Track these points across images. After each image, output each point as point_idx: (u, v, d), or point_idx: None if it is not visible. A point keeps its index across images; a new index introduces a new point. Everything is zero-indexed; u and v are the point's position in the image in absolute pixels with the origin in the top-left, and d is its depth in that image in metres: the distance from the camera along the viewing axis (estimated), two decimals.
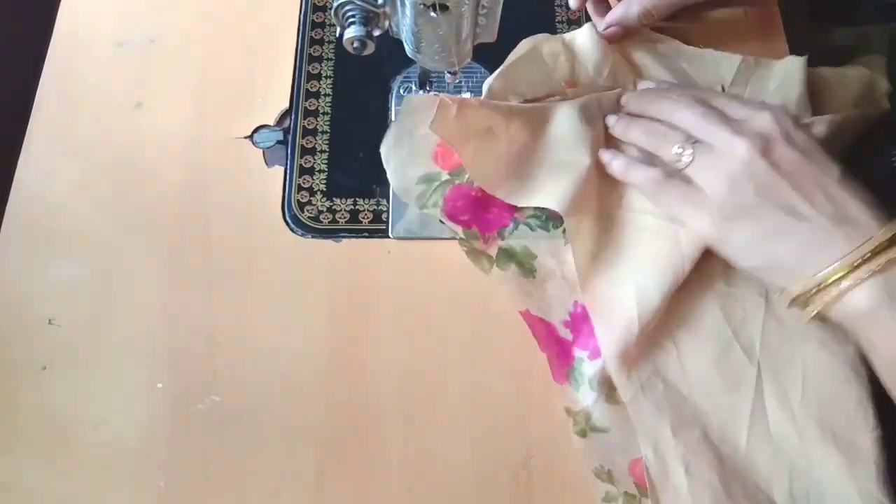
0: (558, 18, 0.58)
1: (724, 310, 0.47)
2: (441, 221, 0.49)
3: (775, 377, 0.45)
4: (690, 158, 0.45)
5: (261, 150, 0.53)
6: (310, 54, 0.56)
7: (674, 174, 0.46)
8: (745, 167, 0.43)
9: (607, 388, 0.46)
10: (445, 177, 0.50)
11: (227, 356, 0.47)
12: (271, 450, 0.45)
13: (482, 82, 0.53)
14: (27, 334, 0.48)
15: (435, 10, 0.42)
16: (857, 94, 0.53)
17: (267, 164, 0.53)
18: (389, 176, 0.49)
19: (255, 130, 0.54)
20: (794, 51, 0.55)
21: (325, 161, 0.52)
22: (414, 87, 0.53)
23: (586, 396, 0.46)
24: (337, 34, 0.52)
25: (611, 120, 0.50)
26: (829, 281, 0.41)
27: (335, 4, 0.43)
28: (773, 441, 0.44)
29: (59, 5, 0.58)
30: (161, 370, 0.47)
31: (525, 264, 0.49)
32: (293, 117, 0.54)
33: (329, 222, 0.51)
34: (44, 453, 0.45)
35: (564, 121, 0.49)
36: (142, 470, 0.45)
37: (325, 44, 0.57)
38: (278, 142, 0.53)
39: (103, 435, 0.45)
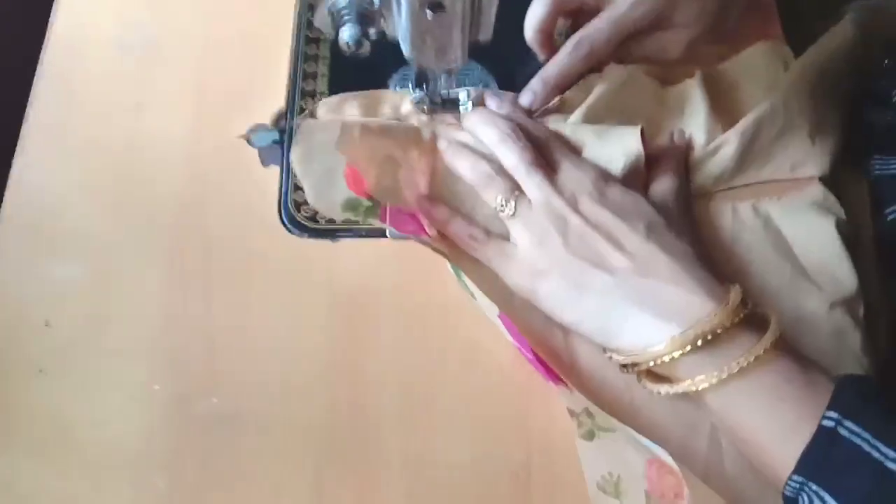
0: None
1: None
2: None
3: None
4: (512, 211, 0.46)
5: (256, 150, 0.53)
6: (306, 53, 0.56)
7: (489, 234, 0.47)
8: (556, 222, 0.44)
9: None
10: (367, 203, 0.49)
11: (226, 357, 0.47)
12: (270, 451, 0.45)
13: (479, 81, 0.54)
14: (24, 336, 0.47)
15: (430, 9, 0.42)
16: (767, 79, 0.52)
17: (263, 163, 0.53)
18: (308, 196, 0.49)
19: (252, 130, 0.53)
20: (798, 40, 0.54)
21: None
22: (410, 87, 0.52)
23: (580, 398, 0.44)
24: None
25: (442, 143, 0.50)
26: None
27: (330, 5, 0.43)
28: None
29: (55, 6, 0.58)
30: (159, 371, 0.47)
31: None
32: (289, 117, 0.54)
33: (326, 222, 0.51)
34: (43, 454, 0.45)
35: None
36: (141, 471, 0.45)
37: (321, 42, 0.56)
38: (274, 141, 0.53)
39: (102, 436, 0.45)
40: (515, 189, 0.46)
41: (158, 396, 0.46)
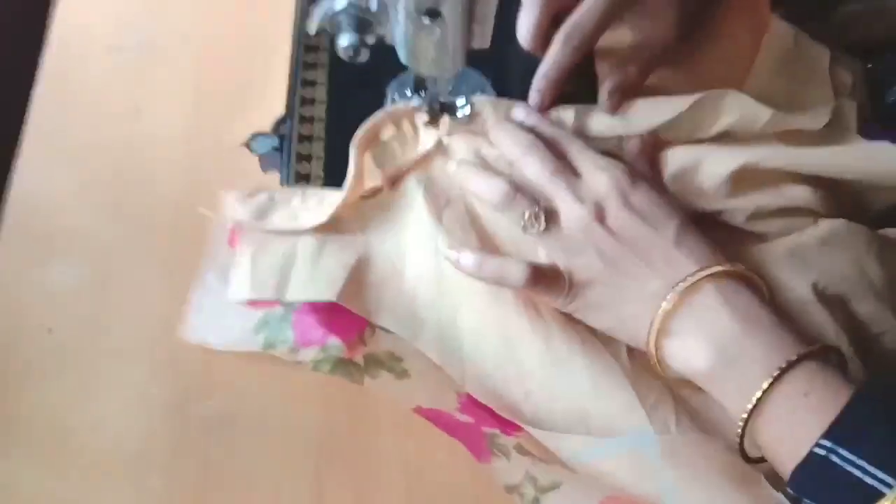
0: None
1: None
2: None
3: None
4: (543, 226, 0.45)
5: (256, 157, 0.53)
6: (305, 61, 0.56)
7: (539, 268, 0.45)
8: (586, 235, 0.44)
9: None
10: (280, 311, 0.46)
11: (224, 359, 0.47)
12: (270, 453, 0.45)
13: (476, 87, 0.54)
14: (24, 341, 0.48)
15: (428, 16, 0.42)
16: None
17: (262, 169, 0.53)
18: (215, 343, 0.46)
19: (252, 137, 0.54)
20: None
21: (322, 167, 0.53)
22: (409, 93, 0.53)
23: (519, 461, 0.43)
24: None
25: (451, 166, 0.50)
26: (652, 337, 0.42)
27: (329, 12, 0.44)
28: None
29: (53, 9, 0.58)
30: (159, 374, 0.47)
31: (395, 368, 0.46)
32: (289, 124, 0.54)
33: None
34: (42, 457, 0.45)
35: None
36: (140, 473, 0.45)
37: (320, 50, 0.57)
38: (274, 148, 0.53)
39: (102, 439, 0.45)
40: (537, 204, 0.45)
41: (158, 399, 0.46)
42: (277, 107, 0.55)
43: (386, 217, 0.49)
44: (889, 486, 0.34)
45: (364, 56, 0.45)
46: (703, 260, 0.43)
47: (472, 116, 0.51)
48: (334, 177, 0.52)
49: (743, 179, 0.48)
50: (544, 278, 0.44)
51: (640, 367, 0.44)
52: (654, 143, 0.50)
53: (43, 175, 0.53)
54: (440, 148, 0.51)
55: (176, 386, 0.47)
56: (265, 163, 0.53)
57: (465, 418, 0.44)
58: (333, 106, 0.54)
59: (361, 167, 0.48)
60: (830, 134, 0.50)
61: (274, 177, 0.53)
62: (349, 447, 0.45)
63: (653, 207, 0.45)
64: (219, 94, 0.55)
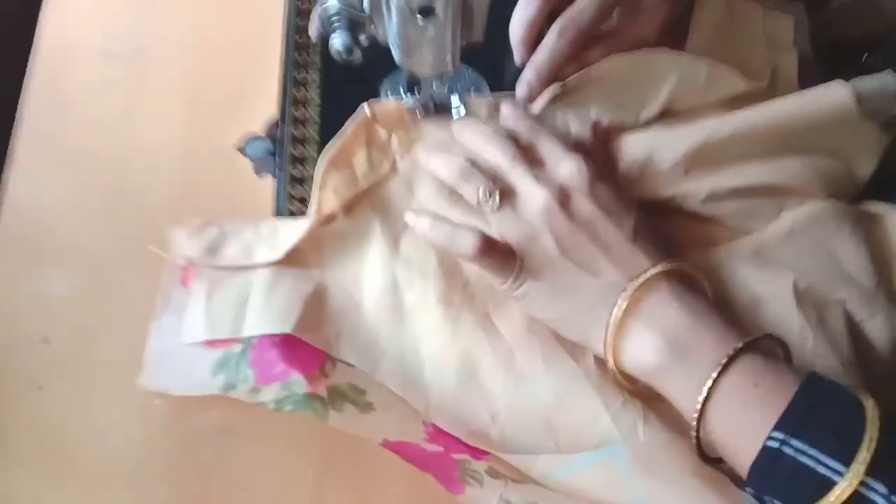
0: None
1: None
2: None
3: None
4: (497, 204, 0.45)
5: (250, 160, 0.53)
6: (296, 61, 0.56)
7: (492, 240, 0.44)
8: (543, 218, 0.44)
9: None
10: (238, 349, 0.45)
11: None
12: (270, 462, 0.45)
13: (470, 84, 0.53)
14: (21, 351, 0.47)
15: (421, 14, 0.42)
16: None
17: (256, 173, 0.52)
18: (174, 389, 0.45)
19: (245, 140, 0.53)
20: None
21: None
22: (402, 91, 0.52)
23: (493, 486, 0.42)
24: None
25: (419, 152, 0.50)
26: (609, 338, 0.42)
27: (320, 11, 0.43)
28: None
29: (42, 16, 0.57)
30: None
31: (359, 402, 0.44)
32: (282, 126, 0.53)
33: None
34: (42, 468, 0.45)
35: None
36: (141, 483, 0.44)
37: (312, 50, 0.56)
38: (267, 151, 0.53)
39: (101, 449, 0.45)
40: (495, 181, 0.45)
41: (157, 408, 0.46)
42: (271, 110, 0.54)
43: (343, 246, 0.48)
44: (840, 473, 0.34)
45: (357, 56, 0.45)
46: (656, 256, 0.43)
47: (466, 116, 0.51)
48: None
49: (697, 161, 0.47)
50: (495, 252, 0.44)
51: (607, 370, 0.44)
52: (607, 133, 0.50)
53: (36, 183, 0.52)
54: (395, 169, 0.50)
55: (175, 395, 0.46)
56: (259, 167, 0.53)
57: (434, 448, 0.43)
58: (327, 107, 0.54)
59: (322, 199, 0.48)
60: (774, 92, 0.50)
61: (268, 180, 0.52)
62: (349, 456, 0.45)
63: (614, 200, 0.45)
64: (212, 99, 0.55)
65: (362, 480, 0.44)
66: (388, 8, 0.42)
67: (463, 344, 0.45)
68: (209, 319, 0.45)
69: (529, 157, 0.46)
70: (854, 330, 0.44)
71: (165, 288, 0.47)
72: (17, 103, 0.54)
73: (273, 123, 0.54)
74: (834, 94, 0.46)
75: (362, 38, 0.45)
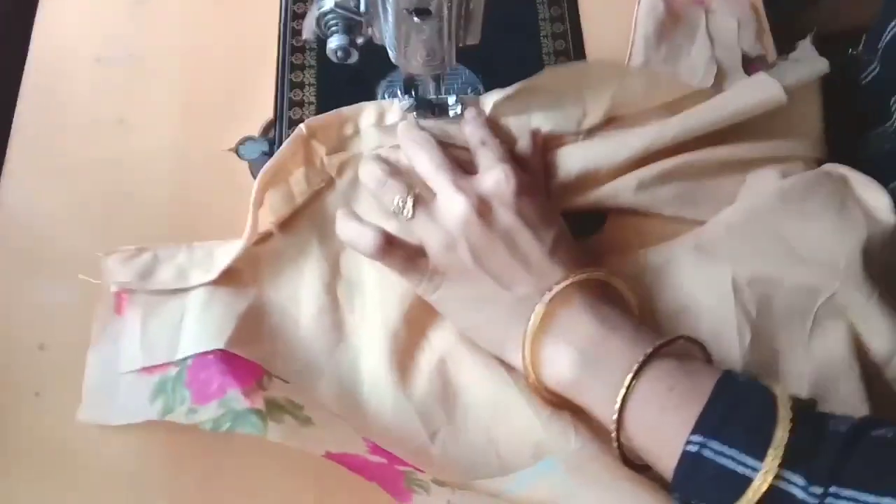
0: (541, 16, 0.58)
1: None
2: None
3: None
4: (411, 213, 0.44)
5: (246, 163, 0.53)
6: (292, 63, 0.56)
7: (395, 239, 0.44)
8: (460, 226, 0.43)
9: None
10: (174, 371, 0.44)
11: None
12: (272, 470, 0.45)
13: (467, 85, 0.53)
14: (17, 358, 0.47)
15: (417, 15, 0.42)
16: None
17: (253, 176, 0.52)
18: (112, 420, 0.44)
19: (241, 142, 0.53)
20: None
21: None
22: (399, 93, 0.52)
23: (440, 493, 0.41)
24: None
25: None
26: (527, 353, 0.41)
27: (317, 13, 0.43)
28: None
29: (35, 22, 0.57)
30: None
31: (298, 416, 0.43)
32: (278, 127, 0.53)
33: None
34: (39, 475, 0.44)
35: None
36: (141, 491, 0.44)
37: (307, 51, 0.56)
38: (263, 153, 0.53)
39: (100, 456, 0.45)
40: (413, 191, 0.45)
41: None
42: (267, 114, 0.54)
43: (280, 265, 0.48)
44: (756, 470, 0.33)
45: (354, 57, 0.44)
46: (571, 268, 0.43)
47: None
48: None
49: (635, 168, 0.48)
50: (397, 251, 0.44)
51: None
52: (545, 142, 0.50)
53: (30, 190, 0.52)
54: (332, 186, 0.50)
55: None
56: (255, 169, 0.52)
57: (377, 459, 0.42)
58: (323, 108, 0.54)
59: (257, 218, 0.47)
60: (717, 91, 0.51)
61: None
62: None
63: (537, 213, 0.44)
64: (207, 104, 0.55)
65: (364, 488, 0.44)
66: (385, 9, 0.42)
67: (401, 360, 0.45)
68: (145, 346, 0.45)
69: (454, 164, 0.46)
70: (812, 311, 0.44)
71: (100, 317, 0.46)
72: (11, 110, 0.54)
73: (269, 125, 0.54)
74: (762, 90, 0.48)
75: (359, 39, 0.45)
